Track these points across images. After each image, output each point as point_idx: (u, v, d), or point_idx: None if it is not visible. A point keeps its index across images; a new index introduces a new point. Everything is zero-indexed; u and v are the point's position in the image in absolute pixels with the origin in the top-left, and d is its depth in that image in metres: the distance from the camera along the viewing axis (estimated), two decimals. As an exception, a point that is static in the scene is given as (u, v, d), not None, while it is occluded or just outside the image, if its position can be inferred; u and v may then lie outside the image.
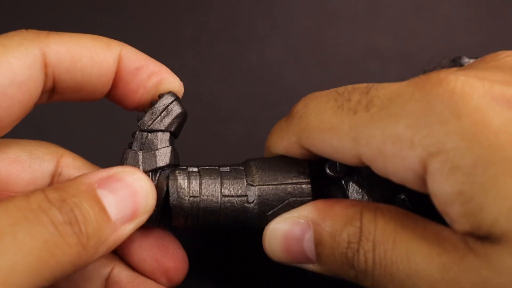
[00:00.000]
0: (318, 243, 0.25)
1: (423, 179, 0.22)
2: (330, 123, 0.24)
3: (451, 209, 0.21)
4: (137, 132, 0.27)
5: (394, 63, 0.46)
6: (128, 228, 0.24)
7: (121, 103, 0.29)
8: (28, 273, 0.20)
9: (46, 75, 0.26)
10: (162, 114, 0.27)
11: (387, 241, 0.23)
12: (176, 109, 0.27)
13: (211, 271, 0.32)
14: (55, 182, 0.29)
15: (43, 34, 0.26)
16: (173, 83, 0.28)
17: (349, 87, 0.25)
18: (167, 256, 0.28)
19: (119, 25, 0.46)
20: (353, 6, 0.47)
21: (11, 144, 0.28)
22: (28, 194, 0.22)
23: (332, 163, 0.27)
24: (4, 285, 0.19)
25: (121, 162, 0.27)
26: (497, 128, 0.21)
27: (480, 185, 0.20)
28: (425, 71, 0.29)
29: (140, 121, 0.27)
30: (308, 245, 0.26)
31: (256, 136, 0.42)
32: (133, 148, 0.27)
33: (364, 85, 0.25)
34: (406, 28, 0.47)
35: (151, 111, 0.27)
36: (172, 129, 0.27)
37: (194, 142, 0.38)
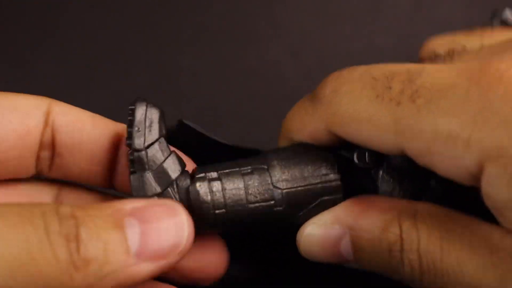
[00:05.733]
0: (357, 249, 0.24)
1: (476, 178, 0.21)
2: (367, 112, 0.23)
3: (509, 214, 0.20)
4: (134, 156, 0.25)
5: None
6: (150, 268, 0.21)
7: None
8: None
9: None
10: (147, 124, 0.25)
11: (433, 250, 0.22)
12: (154, 113, 0.25)
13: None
14: (50, 129, 0.27)
15: None
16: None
17: (387, 71, 0.23)
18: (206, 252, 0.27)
19: (119, 25, 0.46)
20: (353, 6, 0.47)
21: None
22: (42, 203, 0.20)
23: (361, 152, 0.26)
24: None
25: (134, 190, 0.24)
26: None
27: None
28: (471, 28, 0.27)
29: (133, 145, 0.25)
30: (345, 249, 0.25)
31: (256, 136, 0.42)
32: (138, 173, 0.24)
33: (404, 69, 0.23)
34: (406, 28, 0.47)
35: (136, 128, 0.25)
36: (164, 132, 0.25)
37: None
